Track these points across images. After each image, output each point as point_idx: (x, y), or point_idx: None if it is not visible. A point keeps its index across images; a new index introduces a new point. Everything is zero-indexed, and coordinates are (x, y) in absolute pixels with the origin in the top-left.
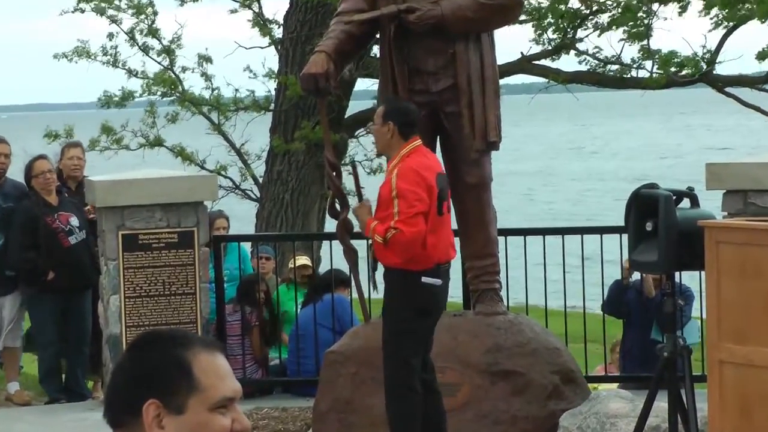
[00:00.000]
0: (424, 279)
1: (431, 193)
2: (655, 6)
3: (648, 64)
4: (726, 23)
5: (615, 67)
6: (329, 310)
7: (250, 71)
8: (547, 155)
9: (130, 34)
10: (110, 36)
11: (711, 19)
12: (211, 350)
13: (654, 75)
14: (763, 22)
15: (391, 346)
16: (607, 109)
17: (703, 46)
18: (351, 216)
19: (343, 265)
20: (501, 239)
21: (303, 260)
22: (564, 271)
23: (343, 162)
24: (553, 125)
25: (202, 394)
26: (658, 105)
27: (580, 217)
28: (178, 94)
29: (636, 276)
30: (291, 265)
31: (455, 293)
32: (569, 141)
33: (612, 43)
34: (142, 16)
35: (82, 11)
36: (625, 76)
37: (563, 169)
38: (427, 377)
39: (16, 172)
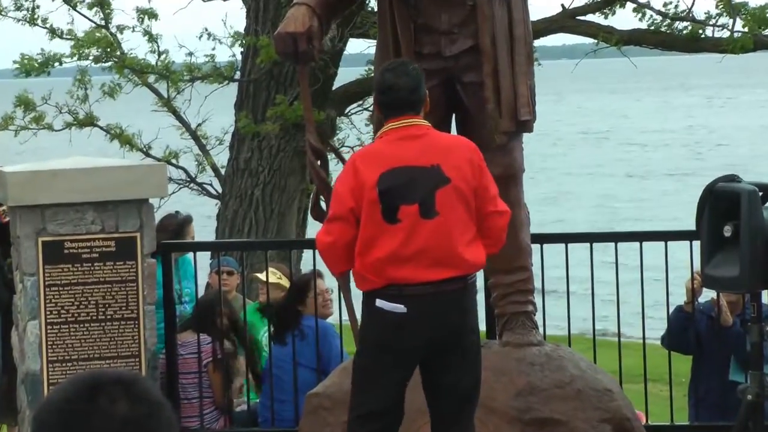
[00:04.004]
0: (378, 303)
1: (361, 192)
2: None
3: (729, 21)
4: None
5: (685, 24)
6: (312, 342)
7: (209, 36)
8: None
9: None
10: None
11: None
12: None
13: (737, 35)
14: None
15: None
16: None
17: None
18: None
19: (332, 280)
20: (535, 248)
21: (273, 277)
22: (618, 290)
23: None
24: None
25: None
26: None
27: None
28: (115, 59)
29: (705, 297)
30: (261, 278)
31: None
32: (615, 117)
33: None
34: None
35: None
36: (699, 36)
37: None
38: None
39: None
